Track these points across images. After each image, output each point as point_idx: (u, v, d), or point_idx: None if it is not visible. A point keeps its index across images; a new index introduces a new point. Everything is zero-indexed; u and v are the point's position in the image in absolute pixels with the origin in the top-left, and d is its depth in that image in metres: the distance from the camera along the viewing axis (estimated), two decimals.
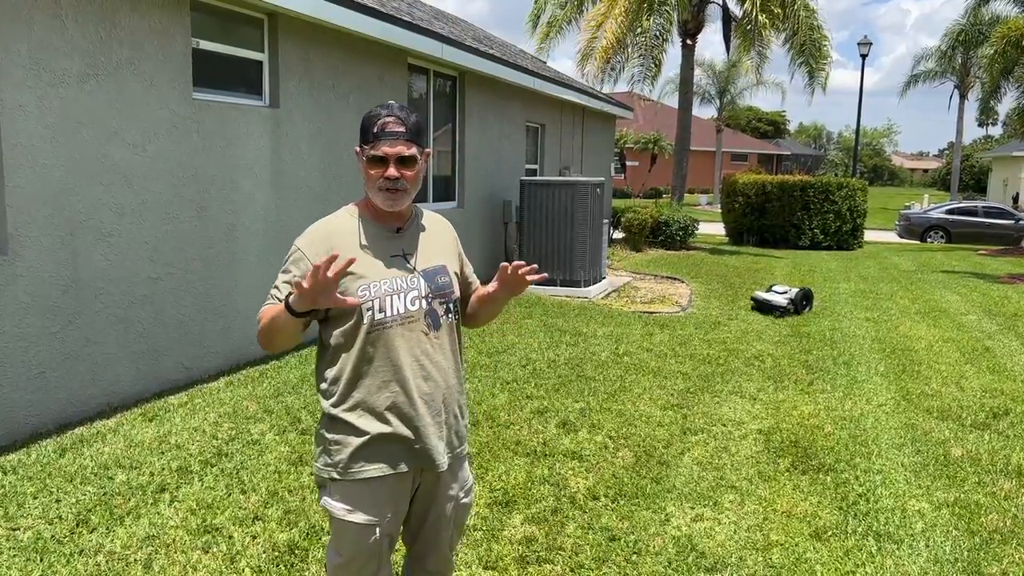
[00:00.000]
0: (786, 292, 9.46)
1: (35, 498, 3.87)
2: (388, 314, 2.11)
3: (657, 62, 18.06)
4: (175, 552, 3.41)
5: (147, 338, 5.48)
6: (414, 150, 2.10)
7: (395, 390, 2.13)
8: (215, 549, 3.45)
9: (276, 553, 3.43)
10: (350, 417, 2.14)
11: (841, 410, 5.64)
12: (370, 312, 2.09)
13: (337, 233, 2.14)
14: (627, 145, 41.67)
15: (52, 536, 3.51)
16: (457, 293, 2.28)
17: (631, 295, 10.54)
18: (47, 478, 4.10)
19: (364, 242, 2.14)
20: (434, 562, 2.39)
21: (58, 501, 3.85)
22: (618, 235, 16.85)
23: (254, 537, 3.56)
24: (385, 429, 2.14)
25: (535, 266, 2.21)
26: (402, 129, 2.08)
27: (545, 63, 17.15)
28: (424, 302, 2.16)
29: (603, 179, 11.16)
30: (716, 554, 3.51)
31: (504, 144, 11.70)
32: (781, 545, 3.60)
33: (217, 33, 6.12)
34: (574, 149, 15.29)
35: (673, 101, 39.59)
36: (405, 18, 8.25)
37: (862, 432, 5.17)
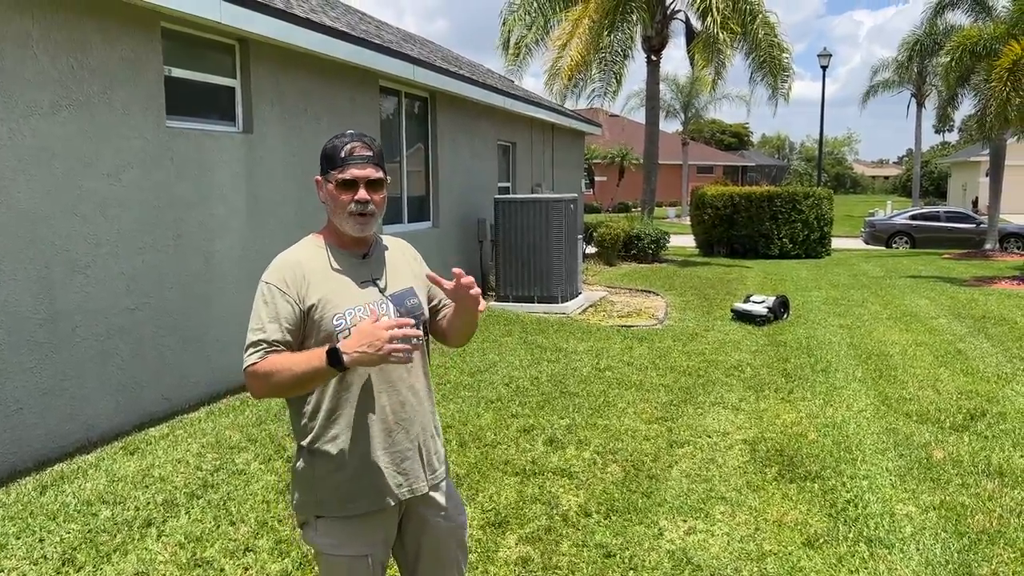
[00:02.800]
0: (764, 301, 9.62)
1: (18, 538, 3.78)
2: None
3: (618, 78, 18.28)
4: None
5: (126, 370, 5.40)
6: (381, 173, 2.12)
7: (372, 419, 2.11)
8: None
9: None
10: (330, 449, 2.09)
11: (823, 417, 5.71)
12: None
13: (305, 263, 2.11)
14: (595, 160, 42.00)
15: None
16: (427, 314, 2.26)
17: (608, 309, 10.60)
18: (29, 517, 4.01)
19: (333, 272, 2.11)
20: None
21: (42, 540, 3.76)
22: (591, 250, 16.95)
23: (246, 569, 3.51)
24: (365, 460, 2.10)
25: (470, 280, 2.07)
26: (370, 153, 2.09)
27: (513, 83, 17.26)
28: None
29: (576, 195, 11.24)
30: (712, 566, 3.52)
31: (476, 163, 11.74)
32: (775, 554, 3.62)
33: (189, 60, 6.09)
34: (545, 166, 15.38)
35: (638, 116, 40.01)
36: (375, 41, 8.27)
37: (845, 438, 5.23)
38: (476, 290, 2.10)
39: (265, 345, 2.03)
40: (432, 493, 2.24)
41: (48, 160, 4.81)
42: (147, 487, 4.40)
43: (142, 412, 5.54)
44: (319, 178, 2.14)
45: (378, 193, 2.11)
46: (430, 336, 2.33)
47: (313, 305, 2.06)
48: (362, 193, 2.07)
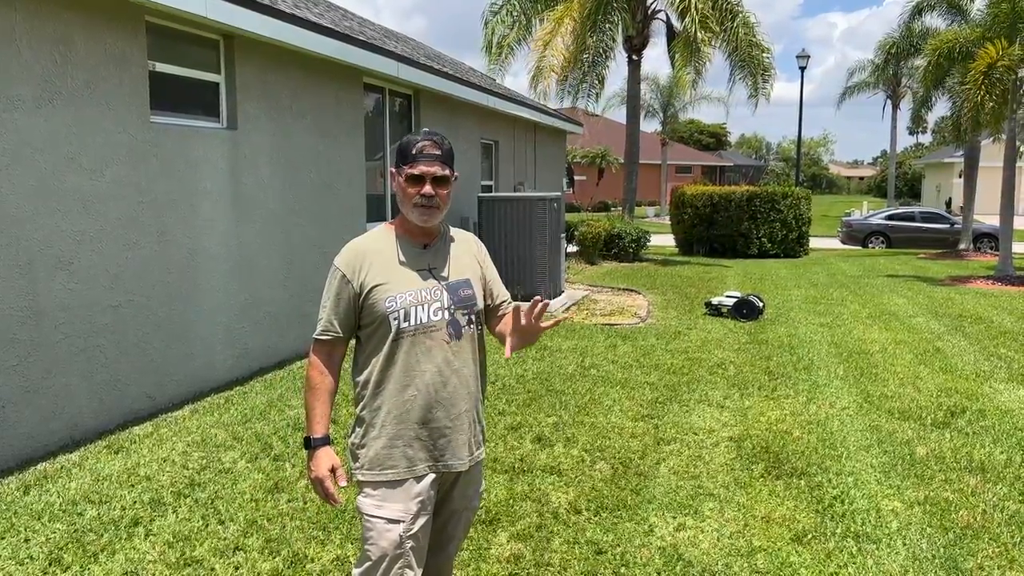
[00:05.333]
0: (734, 297, 10.04)
1: (2, 538, 3.73)
2: (411, 323, 2.28)
3: (601, 78, 18.31)
4: None
5: (109, 368, 5.34)
6: (447, 171, 2.31)
7: (414, 394, 2.29)
8: None
9: None
10: (374, 419, 2.31)
11: (807, 414, 5.77)
12: (396, 321, 2.27)
13: (371, 250, 2.34)
14: (575, 160, 42.08)
15: None
16: (480, 305, 2.42)
17: (591, 308, 10.63)
18: (13, 517, 3.96)
19: (394, 257, 2.33)
20: (437, 562, 2.52)
21: (27, 540, 3.72)
22: (572, 249, 16.98)
23: (236, 568, 3.49)
24: (405, 431, 2.30)
25: (542, 304, 2.22)
26: (438, 152, 2.29)
27: (495, 81, 17.25)
28: (447, 313, 2.33)
29: (559, 194, 11.26)
30: (702, 562, 3.55)
31: (460, 161, 11.62)
32: (765, 550, 3.65)
33: (173, 55, 6.03)
34: (527, 165, 15.39)
35: (617, 115, 40.09)
36: (360, 37, 8.23)
37: (829, 435, 5.29)
38: (543, 320, 2.27)
39: (326, 325, 2.34)
40: (465, 474, 2.42)
41: (31, 155, 4.74)
42: (133, 486, 4.36)
43: (126, 410, 5.49)
44: (393, 170, 2.36)
45: (444, 188, 2.30)
46: (484, 329, 2.50)
47: (371, 288, 2.28)
48: (427, 188, 2.27)
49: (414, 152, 2.27)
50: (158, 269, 5.76)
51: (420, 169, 2.26)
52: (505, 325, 2.45)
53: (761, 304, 9.84)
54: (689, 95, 21.24)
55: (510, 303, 2.54)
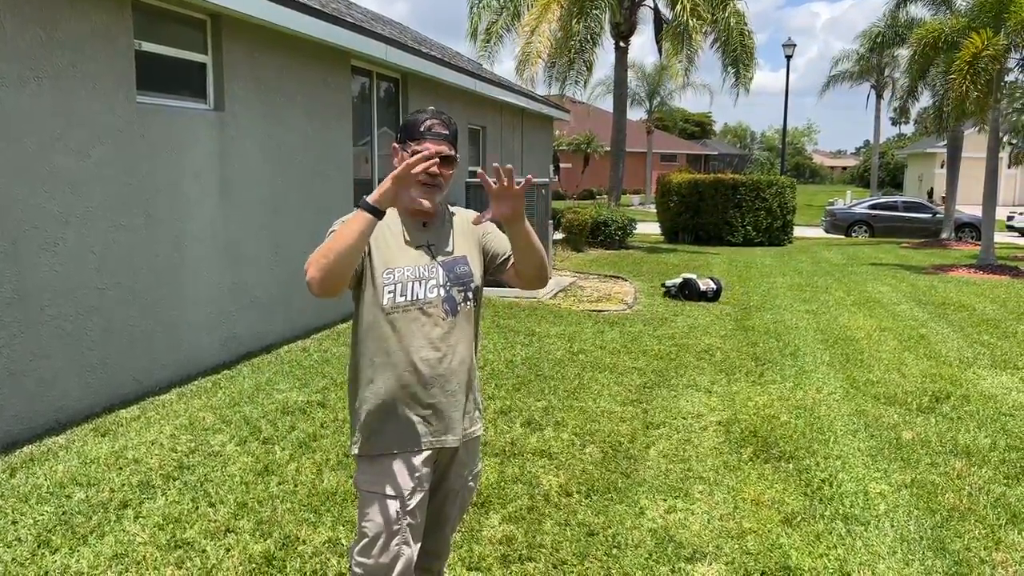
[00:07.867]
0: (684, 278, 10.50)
1: None
2: (408, 298, 2.27)
3: (588, 65, 18.26)
4: (146, 569, 3.31)
5: (96, 351, 5.29)
6: (454, 152, 2.31)
7: (410, 370, 2.28)
8: (188, 564, 3.36)
9: (253, 565, 3.35)
10: (370, 395, 2.30)
11: (794, 399, 5.81)
12: (391, 295, 2.26)
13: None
14: (560, 147, 42.01)
15: (13, 559, 3.36)
16: (476, 282, 2.40)
17: (578, 294, 10.64)
18: (0, 499, 3.92)
19: (395, 231, 2.30)
20: (434, 542, 2.51)
21: (15, 523, 3.68)
22: (558, 236, 16.98)
23: (228, 550, 3.48)
24: (400, 406, 2.29)
25: (509, 168, 2.14)
26: (447, 132, 2.29)
27: (482, 66, 17.17)
28: (442, 290, 2.31)
29: (547, 180, 11.24)
30: (693, 544, 3.57)
31: None
32: (755, 532, 3.69)
33: (160, 35, 5.95)
34: (515, 151, 15.35)
35: (604, 103, 40.06)
36: (348, 19, 8.15)
37: (816, 420, 5.33)
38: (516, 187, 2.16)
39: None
40: (460, 451, 2.41)
41: (16, 135, 4.67)
42: (121, 469, 4.33)
43: (111, 394, 5.44)
44: (396, 145, 2.33)
45: (448, 169, 2.29)
46: (483, 299, 2.47)
47: (375, 252, 2.26)
48: (434, 167, 2.21)
49: (422, 129, 2.25)
50: (145, 251, 5.70)
51: (428, 147, 2.24)
52: (513, 264, 2.39)
53: (715, 287, 10.18)
54: (681, 82, 21.08)
55: None
